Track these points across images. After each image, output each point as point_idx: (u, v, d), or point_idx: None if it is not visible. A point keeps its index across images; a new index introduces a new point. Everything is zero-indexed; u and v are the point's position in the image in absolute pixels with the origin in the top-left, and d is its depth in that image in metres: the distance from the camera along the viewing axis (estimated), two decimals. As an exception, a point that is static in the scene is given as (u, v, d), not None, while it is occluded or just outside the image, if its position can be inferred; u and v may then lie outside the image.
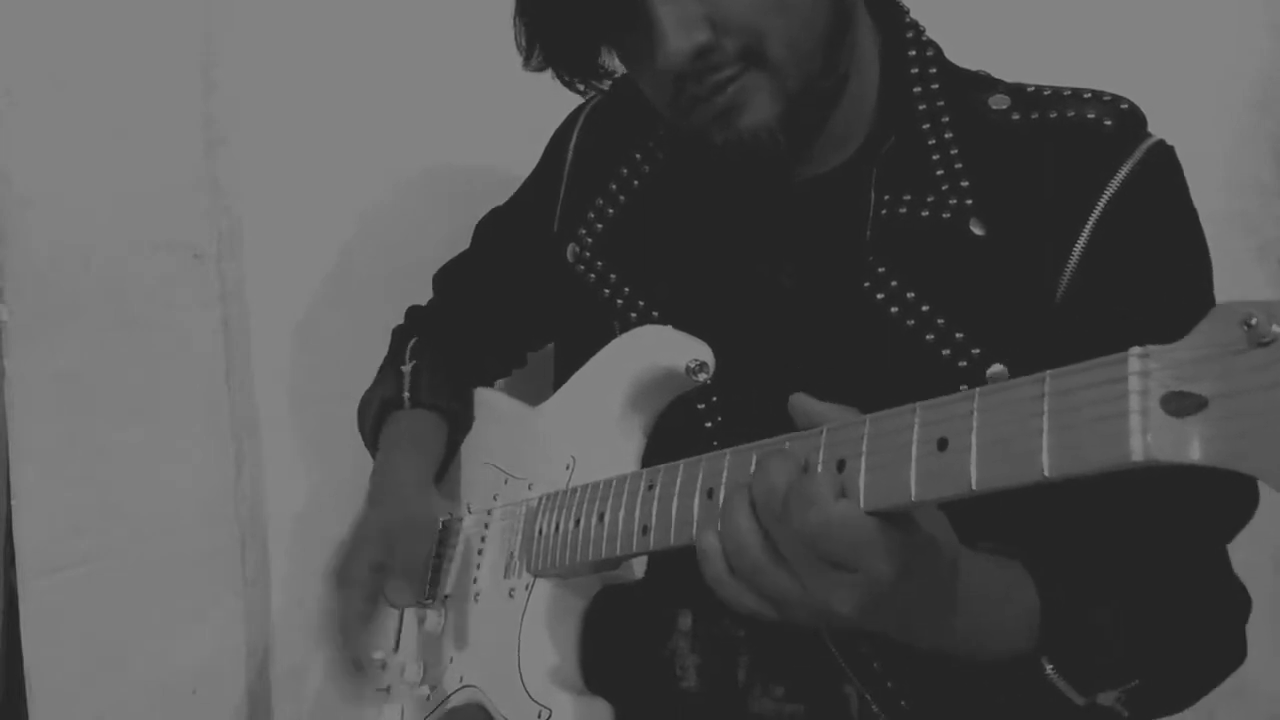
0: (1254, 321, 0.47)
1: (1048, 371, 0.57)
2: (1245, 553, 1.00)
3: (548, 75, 1.06)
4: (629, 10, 0.94)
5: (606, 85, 1.07)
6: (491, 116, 1.59)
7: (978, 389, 0.61)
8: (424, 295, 1.46)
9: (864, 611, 0.71)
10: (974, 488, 0.59)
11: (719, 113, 0.97)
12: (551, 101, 1.28)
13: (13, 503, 1.52)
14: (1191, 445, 0.50)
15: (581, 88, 1.07)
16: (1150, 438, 0.51)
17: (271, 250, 1.62)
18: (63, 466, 1.53)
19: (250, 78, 1.58)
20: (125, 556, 1.56)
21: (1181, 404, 0.49)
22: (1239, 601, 0.99)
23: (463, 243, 1.45)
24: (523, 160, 1.35)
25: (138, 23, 1.50)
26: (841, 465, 0.69)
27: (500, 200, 1.41)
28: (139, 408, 1.55)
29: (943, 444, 0.61)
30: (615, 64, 1.04)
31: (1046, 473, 0.55)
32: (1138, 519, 0.94)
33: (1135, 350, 0.53)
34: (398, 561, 1.14)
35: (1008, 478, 0.57)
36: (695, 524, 0.82)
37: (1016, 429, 0.57)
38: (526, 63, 1.04)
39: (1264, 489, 0.47)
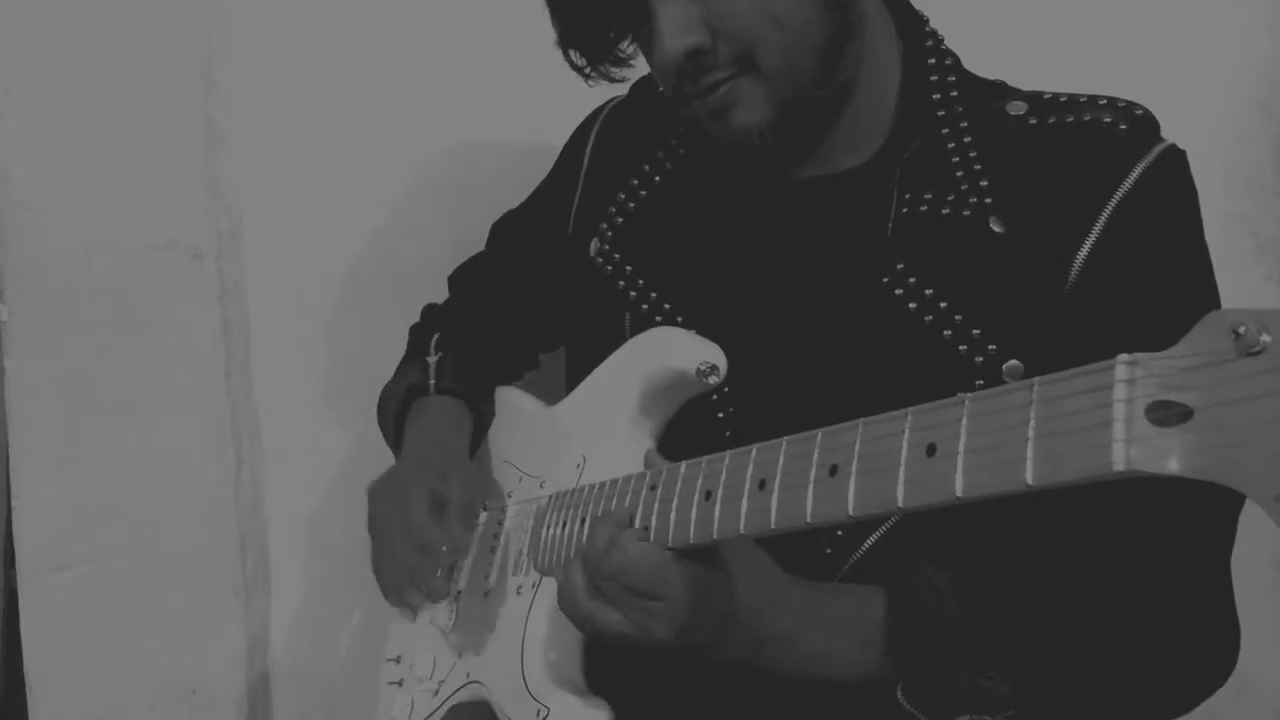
0: (1243, 330, 0.46)
1: (1036, 379, 0.57)
2: (1245, 553, 1.00)
3: (547, 75, 1.09)
4: (638, 5, 0.99)
5: (620, 74, 1.09)
6: (492, 117, 1.59)
7: (968, 395, 0.61)
8: (425, 296, 1.45)
9: (680, 633, 0.87)
10: (958, 495, 0.58)
11: (713, 110, 1.02)
12: (552, 102, 1.28)
13: (13, 503, 1.53)
14: (1173, 457, 0.49)
15: (590, 72, 1.08)
16: (1133, 449, 0.50)
17: (271, 250, 1.62)
18: (63, 466, 1.54)
19: (250, 78, 1.58)
20: (125, 556, 1.56)
21: (1167, 414, 0.49)
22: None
23: (463, 242, 1.45)
24: (523, 160, 1.35)
25: (138, 22, 1.50)
26: (834, 470, 0.69)
27: (501, 200, 1.40)
28: (139, 408, 1.55)
29: (931, 450, 0.61)
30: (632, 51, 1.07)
31: (1030, 481, 0.55)
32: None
33: (1123, 358, 0.52)
34: (459, 491, 1.16)
35: (992, 486, 0.57)
36: (692, 526, 0.83)
37: (1003, 437, 0.56)
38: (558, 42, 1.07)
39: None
